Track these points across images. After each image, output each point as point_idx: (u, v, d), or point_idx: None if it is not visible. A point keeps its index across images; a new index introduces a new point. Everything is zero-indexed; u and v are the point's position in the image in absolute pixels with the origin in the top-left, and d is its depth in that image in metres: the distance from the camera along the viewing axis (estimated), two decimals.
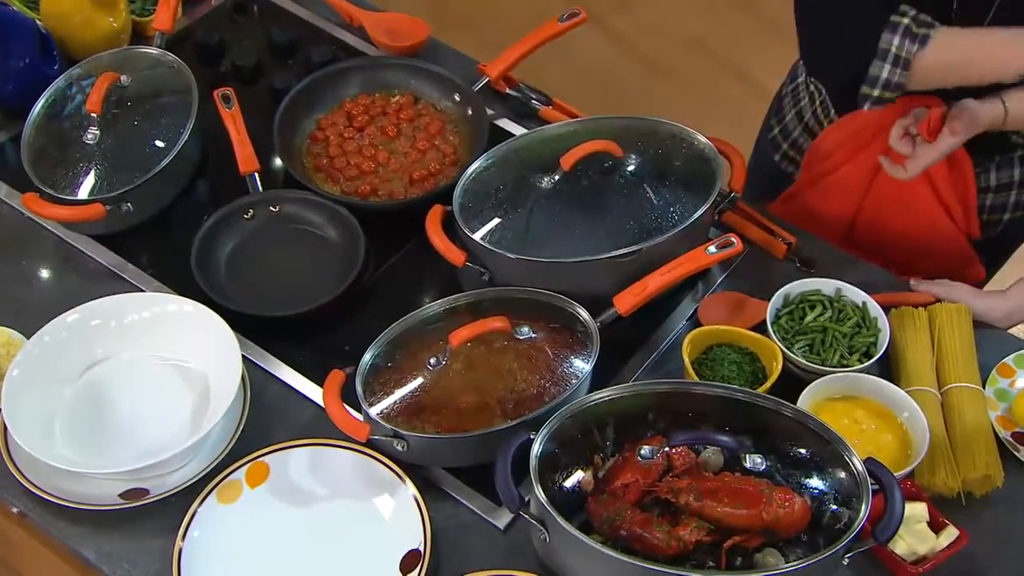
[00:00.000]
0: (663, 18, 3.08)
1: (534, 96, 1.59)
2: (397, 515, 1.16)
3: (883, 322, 1.30)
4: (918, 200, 1.46)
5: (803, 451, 1.12)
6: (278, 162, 1.48)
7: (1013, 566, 1.18)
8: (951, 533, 1.15)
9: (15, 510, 1.18)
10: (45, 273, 1.39)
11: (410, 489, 1.17)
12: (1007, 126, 1.31)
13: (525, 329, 1.22)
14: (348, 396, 1.19)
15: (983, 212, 1.49)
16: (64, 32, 1.54)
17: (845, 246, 1.49)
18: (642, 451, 1.11)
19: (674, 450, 1.12)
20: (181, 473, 1.18)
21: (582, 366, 1.20)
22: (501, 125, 1.55)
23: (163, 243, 1.41)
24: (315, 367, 1.28)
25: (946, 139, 1.28)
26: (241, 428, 1.21)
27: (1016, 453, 1.24)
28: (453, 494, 1.20)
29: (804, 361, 1.26)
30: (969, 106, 1.29)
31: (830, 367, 1.27)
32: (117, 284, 1.36)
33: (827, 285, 1.34)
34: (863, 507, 1.05)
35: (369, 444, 1.19)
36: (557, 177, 1.35)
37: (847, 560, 1.07)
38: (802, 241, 1.44)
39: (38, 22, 1.53)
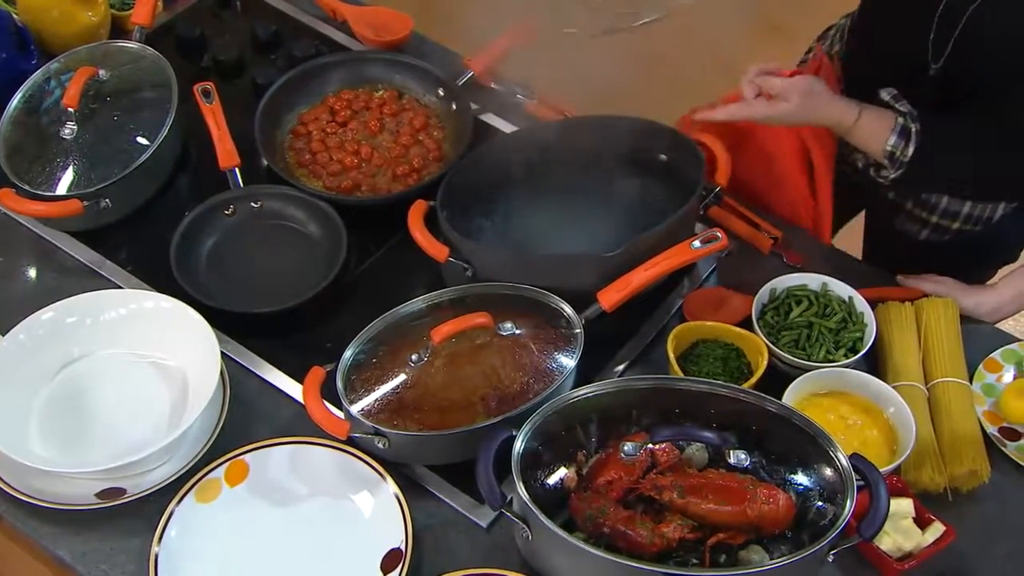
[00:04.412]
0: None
1: (519, 91, 1.58)
2: (378, 513, 1.15)
3: (869, 317, 1.30)
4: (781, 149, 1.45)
5: (788, 447, 1.11)
6: (260, 158, 1.46)
7: (1000, 562, 1.17)
8: (937, 529, 1.14)
9: None
10: (21, 270, 1.37)
11: (391, 487, 1.15)
12: (850, 137, 1.30)
13: (508, 325, 1.21)
14: (329, 393, 1.17)
15: (933, 212, 1.47)
16: (41, 26, 1.53)
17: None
18: (625, 448, 1.09)
19: (658, 447, 1.11)
20: (159, 472, 1.17)
21: (566, 362, 1.19)
22: (486, 120, 1.54)
23: (142, 239, 1.39)
24: (296, 364, 1.26)
25: (775, 105, 1.29)
26: (220, 426, 1.20)
27: (1003, 448, 1.23)
28: (435, 492, 1.19)
29: (790, 356, 1.26)
30: (814, 88, 1.28)
31: (816, 362, 1.26)
32: (95, 281, 1.34)
33: (813, 280, 1.33)
34: (848, 503, 1.04)
35: (350, 442, 1.18)
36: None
37: (832, 557, 1.06)
38: (788, 236, 1.43)
39: (15, 16, 1.52)
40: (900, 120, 1.28)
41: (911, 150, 1.27)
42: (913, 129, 1.27)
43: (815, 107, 1.29)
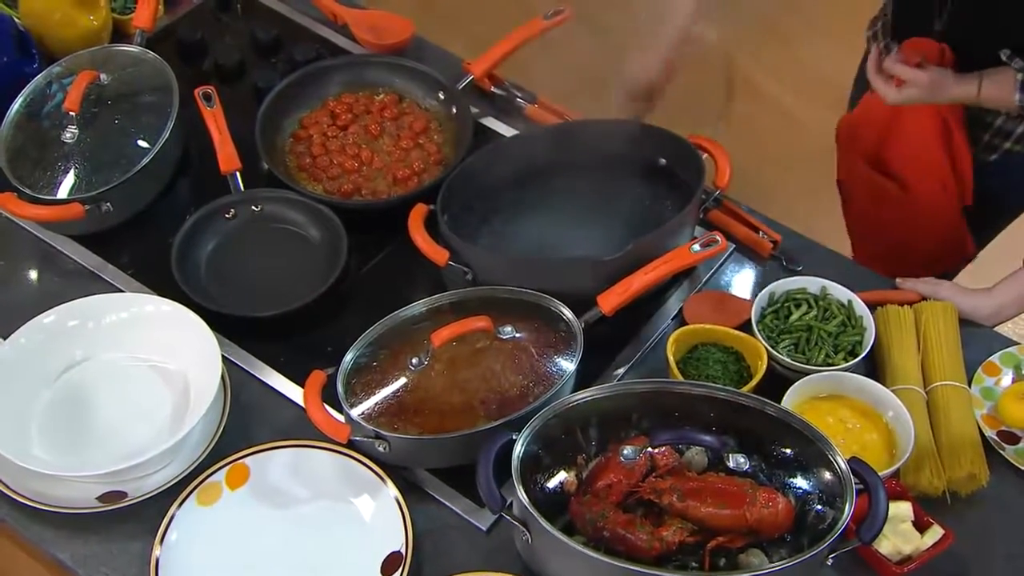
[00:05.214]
0: (654, 17, 3.07)
1: (519, 94, 1.58)
2: (378, 517, 1.15)
3: (868, 320, 1.30)
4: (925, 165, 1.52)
5: (787, 450, 1.11)
6: (261, 162, 1.46)
7: (998, 565, 1.17)
8: (936, 532, 1.15)
9: None
10: (23, 274, 1.37)
11: (392, 491, 1.16)
12: (980, 105, 1.40)
13: (508, 329, 1.21)
14: (330, 397, 1.18)
15: (987, 130, 1.50)
16: (43, 30, 1.53)
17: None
18: (625, 451, 1.10)
19: (657, 450, 1.11)
20: (160, 475, 1.17)
21: (566, 366, 1.19)
22: (486, 124, 1.54)
23: (143, 243, 1.39)
24: (296, 368, 1.27)
25: (903, 91, 1.37)
26: (221, 429, 1.20)
27: (1002, 452, 1.24)
28: (435, 495, 1.19)
29: (789, 360, 1.26)
30: (935, 81, 1.36)
31: (815, 366, 1.26)
32: (97, 284, 1.34)
33: (812, 283, 1.34)
34: (847, 507, 1.04)
35: (350, 445, 1.18)
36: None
37: (831, 560, 1.06)
38: (787, 239, 1.43)
39: (16, 20, 1.52)
40: (1020, 76, 1.34)
41: None
42: None
43: (939, 95, 1.38)
